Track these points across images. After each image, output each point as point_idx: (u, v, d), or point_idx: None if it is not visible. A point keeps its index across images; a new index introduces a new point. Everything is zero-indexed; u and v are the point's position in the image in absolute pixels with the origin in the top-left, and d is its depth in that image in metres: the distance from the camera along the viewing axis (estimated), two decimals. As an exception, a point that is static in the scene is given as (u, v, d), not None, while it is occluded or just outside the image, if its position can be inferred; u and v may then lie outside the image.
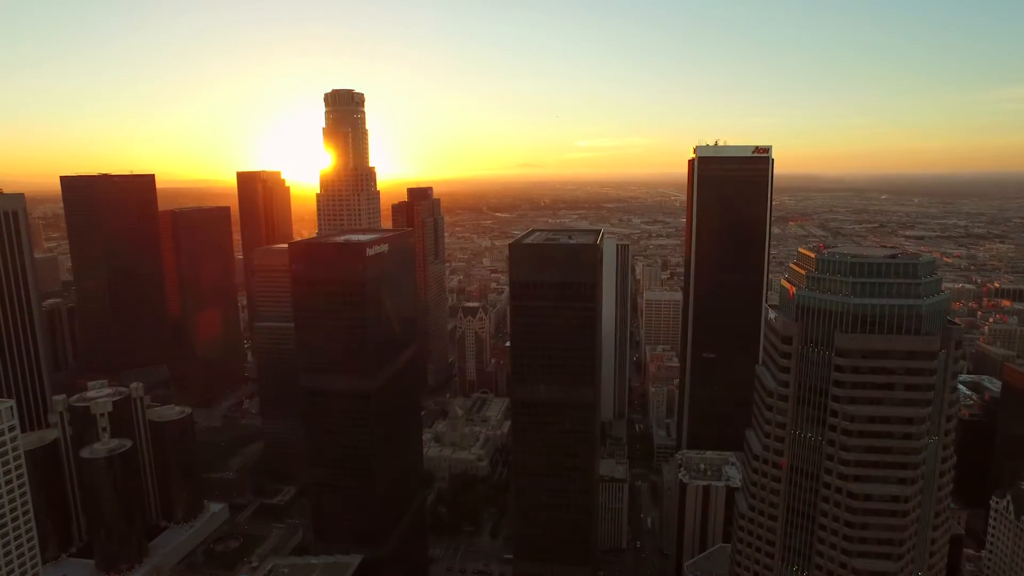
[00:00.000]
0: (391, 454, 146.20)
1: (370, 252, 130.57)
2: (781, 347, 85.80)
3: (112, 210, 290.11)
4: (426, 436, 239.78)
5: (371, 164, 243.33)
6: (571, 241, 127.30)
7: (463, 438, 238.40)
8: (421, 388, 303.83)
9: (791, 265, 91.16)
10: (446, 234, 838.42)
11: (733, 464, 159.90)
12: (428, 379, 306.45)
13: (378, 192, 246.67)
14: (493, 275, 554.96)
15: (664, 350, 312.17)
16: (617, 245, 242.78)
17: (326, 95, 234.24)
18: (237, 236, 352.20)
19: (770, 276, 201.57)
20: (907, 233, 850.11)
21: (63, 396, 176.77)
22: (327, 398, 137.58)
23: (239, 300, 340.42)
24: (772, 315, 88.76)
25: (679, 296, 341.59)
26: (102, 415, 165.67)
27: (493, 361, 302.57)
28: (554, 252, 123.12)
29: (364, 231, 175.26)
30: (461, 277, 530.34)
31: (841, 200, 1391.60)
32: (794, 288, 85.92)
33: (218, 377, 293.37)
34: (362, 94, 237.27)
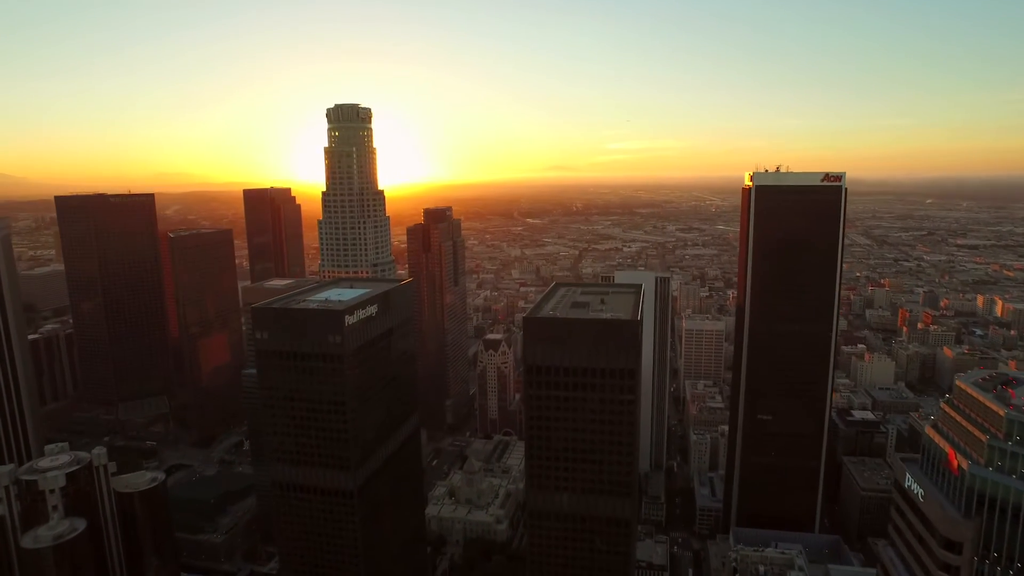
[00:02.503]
0: (383, 556, 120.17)
1: (351, 320, 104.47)
2: (940, 553, 56.56)
3: (108, 232, 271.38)
4: (439, 491, 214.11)
5: (380, 187, 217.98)
6: (603, 314, 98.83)
7: (480, 495, 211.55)
8: (439, 427, 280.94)
9: (945, 408, 61.28)
10: (474, 241, 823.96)
11: (801, 572, 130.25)
12: (446, 416, 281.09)
13: (388, 218, 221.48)
14: (522, 289, 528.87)
15: (706, 387, 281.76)
16: (656, 278, 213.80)
17: (328, 111, 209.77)
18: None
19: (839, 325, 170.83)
20: (959, 242, 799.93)
21: (11, 466, 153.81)
22: (300, 494, 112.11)
23: (244, 328, 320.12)
24: (915, 487, 60.03)
25: (721, 325, 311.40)
26: (52, 491, 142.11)
27: (517, 397, 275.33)
28: (581, 329, 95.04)
29: (360, 280, 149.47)
30: (488, 293, 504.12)
31: (883, 205, 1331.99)
32: (962, 460, 56.10)
33: (219, 410, 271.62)
34: (368, 109, 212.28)
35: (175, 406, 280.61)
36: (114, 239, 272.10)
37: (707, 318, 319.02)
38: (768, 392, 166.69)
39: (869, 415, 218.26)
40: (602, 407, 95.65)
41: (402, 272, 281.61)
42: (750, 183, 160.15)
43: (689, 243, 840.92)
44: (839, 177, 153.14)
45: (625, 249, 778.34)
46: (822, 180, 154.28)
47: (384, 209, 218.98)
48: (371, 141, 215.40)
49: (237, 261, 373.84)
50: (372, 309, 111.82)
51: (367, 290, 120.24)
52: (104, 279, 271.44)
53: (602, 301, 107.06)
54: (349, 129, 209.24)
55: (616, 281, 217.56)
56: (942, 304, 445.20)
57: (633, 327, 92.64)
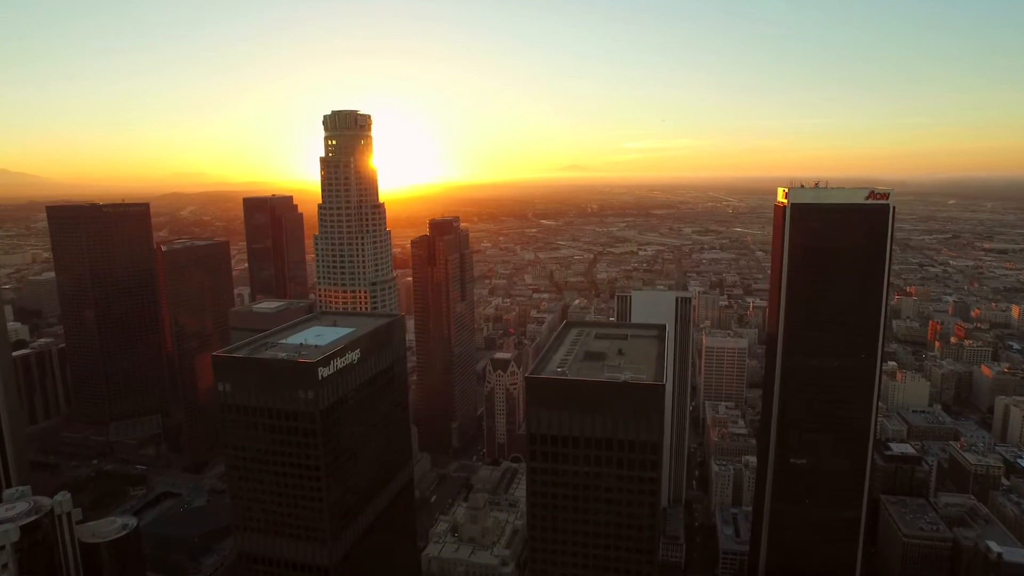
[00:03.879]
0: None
1: (326, 372, 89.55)
2: None
3: (102, 243, 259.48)
4: (441, 527, 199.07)
5: (380, 199, 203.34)
6: (621, 374, 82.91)
7: (485, 533, 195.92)
8: (444, 450, 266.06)
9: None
10: (487, 244, 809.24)
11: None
12: (452, 439, 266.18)
13: (389, 233, 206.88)
14: (535, 296, 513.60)
15: (727, 409, 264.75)
16: (677, 299, 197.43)
17: (325, 118, 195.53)
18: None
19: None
20: (986, 245, 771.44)
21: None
22: (270, 568, 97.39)
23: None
24: None
25: (744, 342, 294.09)
26: (3, 548, 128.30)
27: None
28: (595, 393, 79.49)
29: (344, 315, 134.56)
30: (499, 300, 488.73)
31: (904, 206, 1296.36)
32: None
33: (213, 431, 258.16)
34: (368, 116, 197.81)
35: (169, 426, 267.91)
36: (107, 251, 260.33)
37: (729, 334, 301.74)
38: (802, 433, 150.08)
39: (909, 449, 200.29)
40: (619, 485, 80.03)
41: (409, 279, 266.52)
42: (784, 200, 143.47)
43: (706, 247, 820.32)
44: (886, 195, 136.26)
45: (640, 253, 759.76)
46: (867, 197, 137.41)
47: (384, 223, 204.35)
48: (371, 150, 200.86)
49: (239, 271, 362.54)
50: (354, 355, 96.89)
51: (351, 329, 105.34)
52: (97, 292, 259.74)
53: (620, 351, 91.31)
54: (347, 138, 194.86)
55: (634, 300, 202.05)
56: (973, 314, 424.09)
57: (657, 394, 76.99)
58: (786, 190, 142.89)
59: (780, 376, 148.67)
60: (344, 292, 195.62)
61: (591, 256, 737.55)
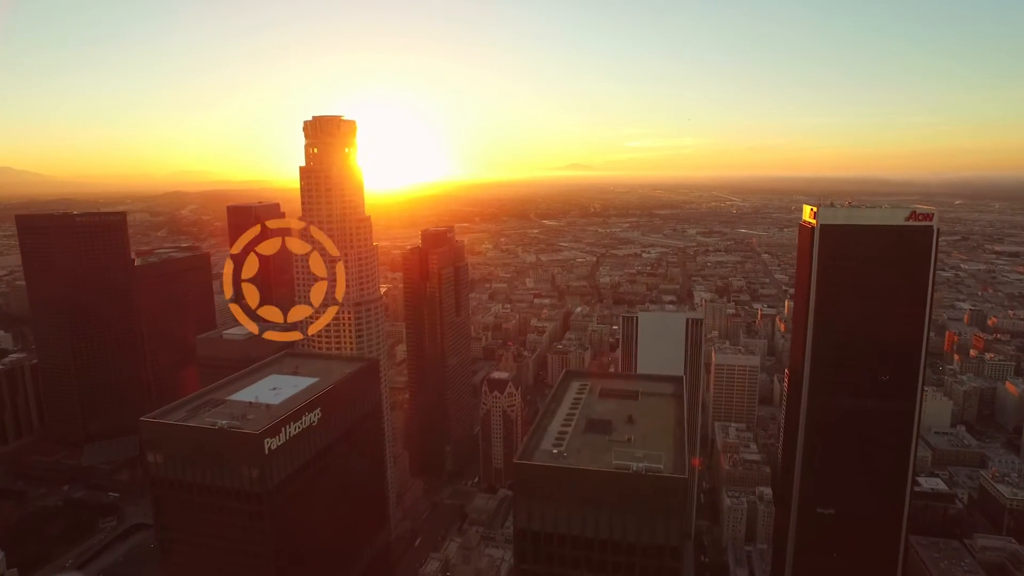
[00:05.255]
0: None
1: (274, 443, 74.02)
2: None
3: (75, 255, 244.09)
4: (432, 566, 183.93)
5: (366, 214, 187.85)
6: (634, 462, 66.37)
7: (478, 574, 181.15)
8: (438, 474, 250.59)
9: None
10: (488, 245, 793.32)
11: None
12: (446, 462, 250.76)
13: (375, 248, 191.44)
14: (536, 301, 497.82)
15: (739, 431, 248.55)
16: (688, 320, 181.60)
17: (305, 124, 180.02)
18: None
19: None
20: (997, 248, 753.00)
21: None
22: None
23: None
24: None
25: (756, 360, 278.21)
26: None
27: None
28: (600, 485, 63.85)
29: (309, 358, 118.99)
30: (499, 307, 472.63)
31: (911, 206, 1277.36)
32: None
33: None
34: (352, 121, 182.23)
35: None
36: (81, 262, 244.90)
37: (739, 350, 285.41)
38: (830, 480, 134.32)
39: (940, 484, 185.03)
40: (631, 596, 64.32)
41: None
42: (812, 220, 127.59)
43: (711, 248, 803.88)
44: (929, 215, 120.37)
45: (644, 255, 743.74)
46: (907, 219, 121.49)
47: (370, 238, 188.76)
48: (355, 159, 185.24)
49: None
50: (313, 416, 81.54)
51: (312, 380, 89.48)
52: (70, 306, 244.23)
53: (630, 419, 75.62)
54: (329, 145, 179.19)
55: (641, 323, 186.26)
56: (990, 323, 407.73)
57: (679, 488, 61.35)
58: (814, 209, 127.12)
59: (806, 417, 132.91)
60: (322, 314, 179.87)
61: (594, 259, 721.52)
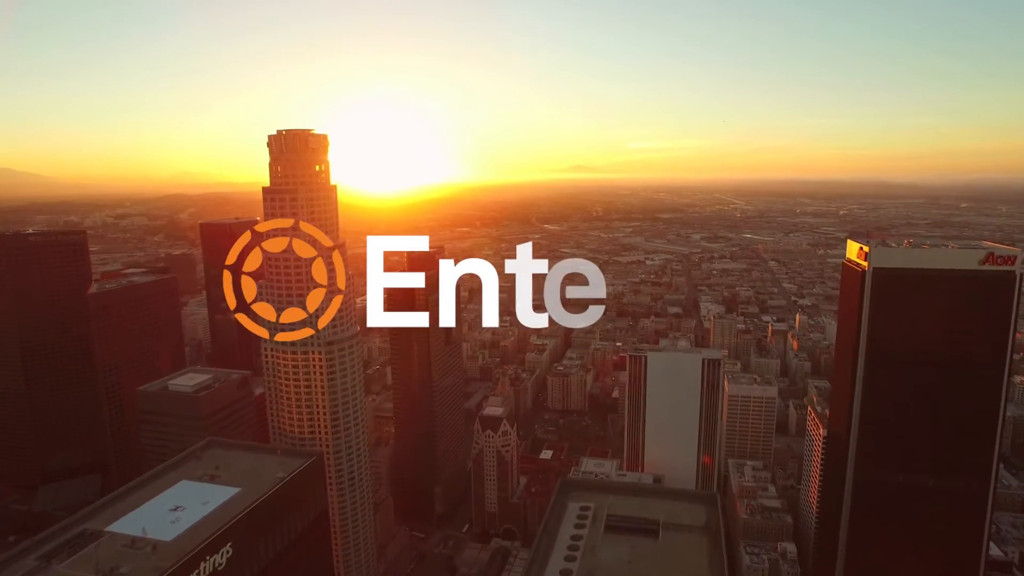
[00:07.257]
0: None
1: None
2: None
3: (28, 277, 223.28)
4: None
5: (339, 239, 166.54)
6: None
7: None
8: (426, 518, 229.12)
9: None
10: (489, 251, 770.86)
11: None
12: (435, 504, 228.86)
13: (350, 278, 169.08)
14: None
15: (755, 471, 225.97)
16: (704, 361, 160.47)
17: (270, 139, 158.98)
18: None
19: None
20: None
21: None
22: None
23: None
24: None
25: (773, 391, 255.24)
26: None
27: (522, 485, 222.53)
28: None
29: (240, 447, 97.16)
30: (498, 321, 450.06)
31: (916, 209, 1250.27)
32: None
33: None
34: (324, 136, 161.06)
35: (109, 488, 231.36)
36: (35, 285, 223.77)
37: (755, 379, 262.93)
38: (881, 568, 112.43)
39: (1001, 556, 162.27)
40: None
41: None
42: (862, 261, 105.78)
43: (716, 255, 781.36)
44: (1010, 259, 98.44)
45: (648, 262, 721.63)
46: (981, 262, 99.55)
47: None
48: (327, 177, 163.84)
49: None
50: (217, 558, 59.44)
51: (233, 492, 67.61)
52: (22, 334, 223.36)
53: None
54: (295, 164, 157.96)
55: (650, 364, 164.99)
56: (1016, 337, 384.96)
57: None
58: (865, 248, 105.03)
59: (851, 494, 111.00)
60: (294, 354, 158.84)
61: (596, 266, 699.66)
